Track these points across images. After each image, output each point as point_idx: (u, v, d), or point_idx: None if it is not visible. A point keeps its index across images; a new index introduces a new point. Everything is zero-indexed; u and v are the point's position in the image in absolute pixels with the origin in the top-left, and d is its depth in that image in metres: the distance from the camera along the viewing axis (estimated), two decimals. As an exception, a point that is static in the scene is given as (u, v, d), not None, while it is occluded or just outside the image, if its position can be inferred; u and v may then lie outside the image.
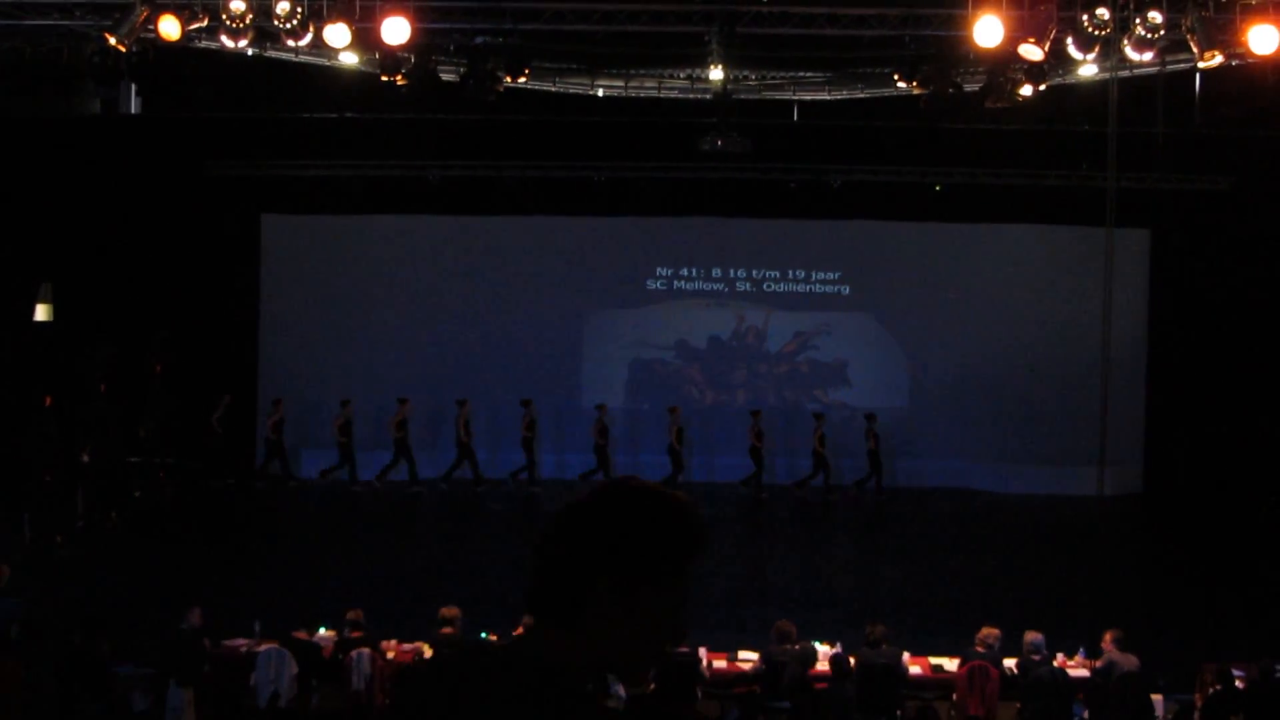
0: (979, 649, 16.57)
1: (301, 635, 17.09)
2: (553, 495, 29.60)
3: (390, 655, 17.00)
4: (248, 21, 19.25)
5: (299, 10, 19.16)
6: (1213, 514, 27.57)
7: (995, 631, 16.72)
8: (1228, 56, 19.77)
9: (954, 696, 16.68)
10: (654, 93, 27.98)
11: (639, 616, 3.11)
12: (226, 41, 19.69)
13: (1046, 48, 19.38)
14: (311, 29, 19.41)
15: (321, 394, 30.72)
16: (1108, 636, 16.68)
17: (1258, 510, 27.26)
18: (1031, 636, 16.68)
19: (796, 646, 16.63)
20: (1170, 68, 22.31)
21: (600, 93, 27.96)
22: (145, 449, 28.46)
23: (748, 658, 17.24)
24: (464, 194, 31.00)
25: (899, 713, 16.57)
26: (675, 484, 28.98)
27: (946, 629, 18.96)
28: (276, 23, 19.23)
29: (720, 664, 17.21)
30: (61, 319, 29.83)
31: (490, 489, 29.76)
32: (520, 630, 2.60)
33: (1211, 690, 16.29)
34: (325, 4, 19.46)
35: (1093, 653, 16.99)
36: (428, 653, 16.83)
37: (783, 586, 23.49)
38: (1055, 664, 16.75)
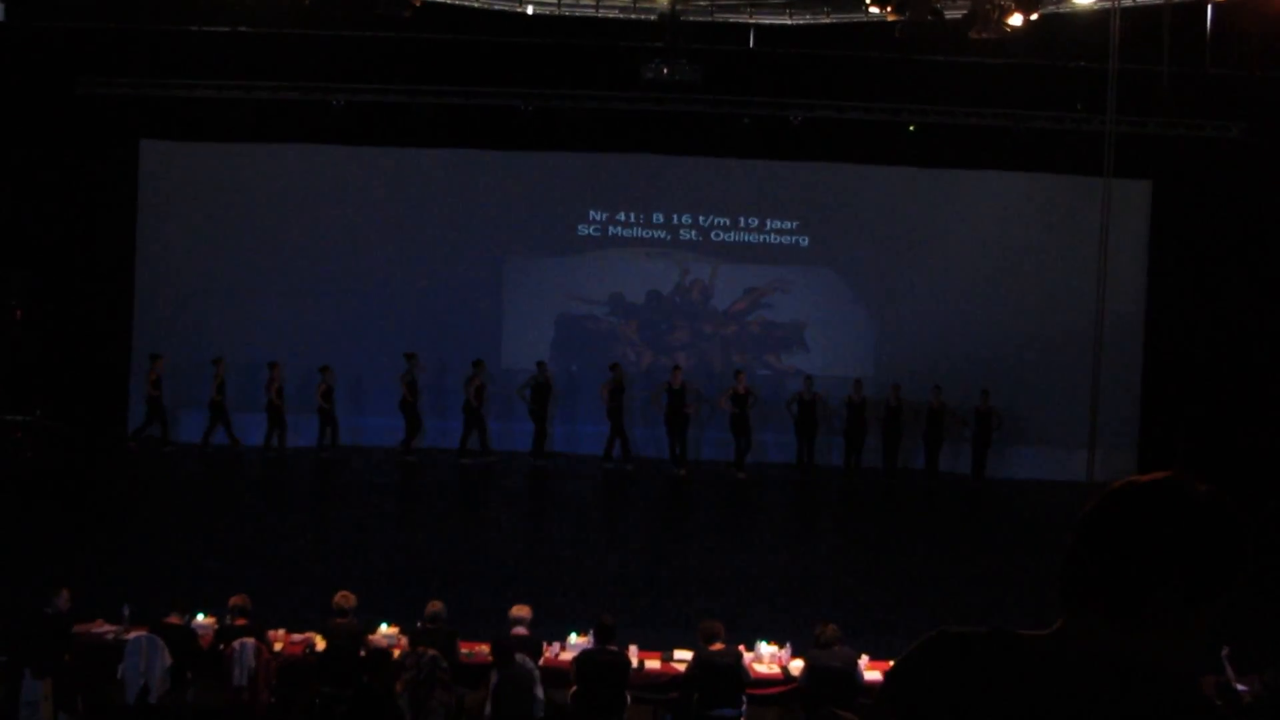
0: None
1: (175, 621, 16.65)
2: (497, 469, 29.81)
3: (277, 647, 16.77)
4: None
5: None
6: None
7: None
8: (1244, -14, 19.81)
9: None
10: (591, 11, 28.01)
11: (1193, 627, 3.29)
12: (103, -61, 19.45)
13: (1041, -30, 19.36)
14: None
15: (202, 346, 30.27)
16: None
17: (1262, 504, 27.18)
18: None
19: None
20: (1179, -2, 22.37)
21: (530, 10, 27.95)
22: (2, 405, 28.21)
23: (683, 658, 16.99)
24: (372, 122, 30.83)
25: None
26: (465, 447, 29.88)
27: (906, 627, 18.76)
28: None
29: (653, 664, 16.92)
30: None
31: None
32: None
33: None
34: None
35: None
36: (320, 644, 16.61)
37: (721, 577, 23.04)
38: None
